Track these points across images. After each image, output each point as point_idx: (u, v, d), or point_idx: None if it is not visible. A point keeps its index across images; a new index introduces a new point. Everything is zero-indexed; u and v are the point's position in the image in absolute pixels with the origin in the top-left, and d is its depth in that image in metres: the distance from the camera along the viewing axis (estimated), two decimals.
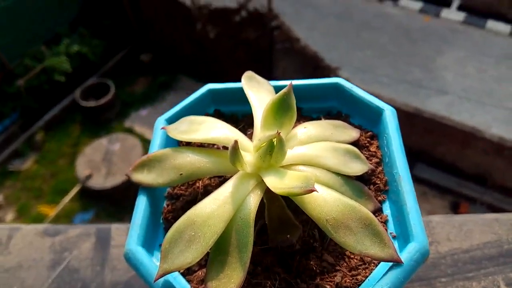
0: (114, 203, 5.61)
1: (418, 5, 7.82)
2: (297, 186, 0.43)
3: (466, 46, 6.93)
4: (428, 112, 5.79)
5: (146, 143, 5.90)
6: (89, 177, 5.71)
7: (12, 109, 6.38)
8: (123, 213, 5.43)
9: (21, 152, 6.26)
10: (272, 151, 0.48)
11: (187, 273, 0.50)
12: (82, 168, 5.86)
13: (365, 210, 0.46)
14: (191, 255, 0.44)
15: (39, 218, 5.47)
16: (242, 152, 0.50)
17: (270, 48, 6.59)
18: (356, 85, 0.63)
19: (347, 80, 0.65)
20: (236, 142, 0.44)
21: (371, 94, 0.62)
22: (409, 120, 5.83)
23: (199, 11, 6.55)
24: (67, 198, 5.74)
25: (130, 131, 6.50)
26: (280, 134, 0.46)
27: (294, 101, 0.54)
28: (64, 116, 6.76)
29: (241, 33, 6.60)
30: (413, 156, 5.95)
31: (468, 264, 0.70)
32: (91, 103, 6.58)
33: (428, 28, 7.41)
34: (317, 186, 0.47)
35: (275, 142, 0.47)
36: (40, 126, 6.50)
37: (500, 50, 6.80)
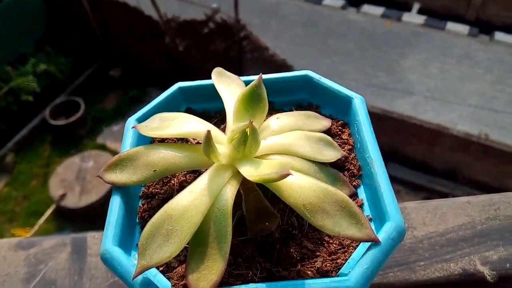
0: (89, 221, 5.49)
1: (380, 10, 8.04)
2: (272, 172, 0.43)
3: (428, 48, 7.16)
4: (396, 113, 5.93)
5: None
6: (63, 196, 5.58)
7: None
8: (100, 230, 5.32)
9: None
10: (246, 141, 0.48)
11: (166, 270, 0.49)
12: (55, 188, 5.73)
13: (340, 193, 0.46)
14: (169, 249, 0.43)
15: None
16: (217, 145, 0.50)
17: (240, 58, 6.64)
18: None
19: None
20: (208, 132, 0.44)
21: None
22: (378, 121, 5.95)
23: (167, 24, 6.54)
24: (42, 220, 5.58)
25: (103, 147, 6.40)
26: (253, 123, 0.46)
27: (265, 92, 0.55)
28: (34, 136, 6.62)
29: (210, 44, 6.62)
30: (385, 156, 5.98)
31: (445, 247, 0.71)
32: (62, 122, 6.46)
33: (390, 32, 7.62)
34: (292, 172, 0.48)
35: (248, 132, 0.47)
36: (9, 148, 6.34)
37: (460, 50, 7.06)
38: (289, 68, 6.37)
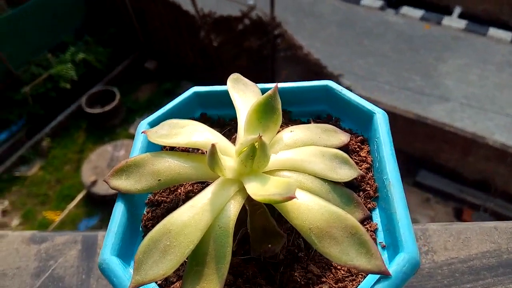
0: None
1: (419, 13, 7.82)
2: (278, 193, 0.40)
3: (468, 54, 6.91)
4: (430, 119, 5.76)
5: None
6: (94, 183, 5.72)
7: (18, 116, 6.44)
8: None
9: (27, 159, 6.30)
10: (254, 155, 0.45)
11: (165, 284, 0.47)
12: (87, 174, 5.88)
13: (351, 218, 0.43)
14: (165, 266, 0.41)
15: (44, 224, 5.47)
16: (224, 157, 0.48)
17: (273, 56, 6.60)
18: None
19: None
20: (213, 145, 0.42)
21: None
22: (411, 127, 5.80)
23: (203, 20, 6.58)
24: (72, 204, 5.74)
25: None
26: (262, 137, 0.44)
27: (280, 104, 0.52)
28: (70, 123, 6.81)
29: (244, 41, 6.62)
30: (416, 162, 5.92)
31: (466, 275, 0.67)
32: (97, 110, 6.62)
33: (429, 35, 7.40)
34: (301, 193, 0.45)
35: (257, 146, 0.45)
36: (46, 133, 6.54)
37: (501, 57, 6.78)
38: (322, 68, 6.29)
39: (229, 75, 0.60)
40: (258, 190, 0.43)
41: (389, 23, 7.81)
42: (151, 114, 0.59)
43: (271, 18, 6.27)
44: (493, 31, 7.19)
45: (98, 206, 5.69)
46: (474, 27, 7.33)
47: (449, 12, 7.74)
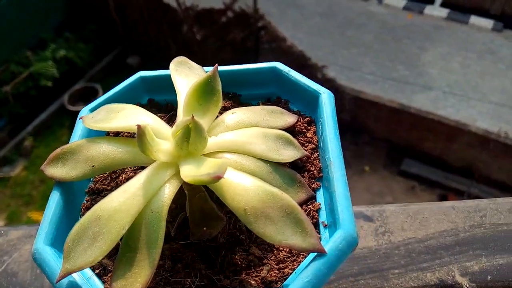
0: None
1: (402, 3, 7.85)
2: (206, 173, 0.39)
3: (450, 42, 6.96)
4: (414, 108, 5.80)
5: None
6: None
7: None
8: None
9: (10, 159, 6.21)
10: (189, 137, 0.44)
11: (103, 273, 0.46)
12: None
13: (287, 197, 0.42)
14: (94, 253, 0.40)
15: (29, 225, 5.39)
16: (160, 141, 0.47)
17: (256, 48, 6.58)
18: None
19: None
20: (139, 126, 0.41)
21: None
22: (396, 116, 5.83)
23: (186, 13, 6.52)
24: None
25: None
26: (195, 118, 0.43)
27: (220, 85, 0.51)
28: (52, 121, 6.72)
29: (227, 33, 6.58)
30: (401, 151, 5.96)
31: (423, 254, 0.67)
32: (80, 107, 6.53)
33: (412, 25, 7.43)
34: (237, 174, 0.44)
35: (191, 127, 0.44)
36: (28, 132, 6.45)
37: (483, 45, 6.84)
38: (306, 60, 6.28)
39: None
40: (190, 171, 0.42)
41: (372, 13, 7.82)
42: None
43: (254, 10, 6.24)
44: (474, 19, 7.24)
45: None
46: (456, 15, 7.38)
47: (431, 1, 7.77)
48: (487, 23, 7.15)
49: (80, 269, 0.40)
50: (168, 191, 0.44)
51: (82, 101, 6.66)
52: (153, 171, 0.45)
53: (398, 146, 5.97)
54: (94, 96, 6.60)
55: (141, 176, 0.44)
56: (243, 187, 0.43)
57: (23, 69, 6.48)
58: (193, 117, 0.43)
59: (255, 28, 6.45)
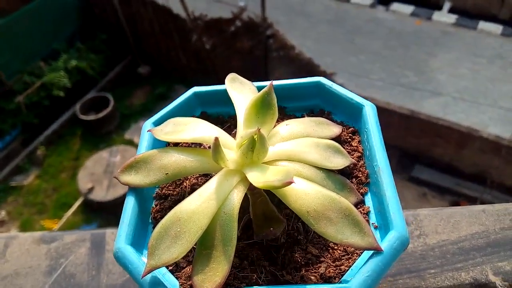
0: (115, 214, 5.61)
1: (410, 9, 7.90)
2: (277, 179, 0.44)
3: (459, 48, 6.99)
4: (424, 114, 5.82)
5: None
6: (91, 190, 5.72)
7: (12, 125, 6.43)
8: None
9: (23, 168, 6.29)
10: (254, 147, 0.49)
11: (175, 270, 0.51)
12: (84, 181, 5.88)
13: (344, 201, 0.47)
14: (177, 251, 0.45)
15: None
16: (226, 150, 0.52)
17: (265, 57, 6.65)
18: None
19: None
20: (216, 138, 0.46)
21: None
22: (405, 122, 5.86)
23: (194, 23, 6.61)
24: (69, 212, 5.74)
25: (130, 142, 6.54)
26: (260, 130, 0.48)
27: (275, 100, 0.56)
28: (65, 131, 6.81)
29: (236, 42, 6.66)
30: (411, 157, 5.98)
31: (457, 255, 0.71)
32: (91, 117, 6.63)
33: (420, 31, 7.48)
34: (298, 180, 0.49)
35: (256, 139, 0.49)
36: (41, 141, 6.54)
37: (492, 50, 6.86)
38: (315, 67, 6.34)
39: (222, 77, 0.64)
40: (259, 178, 0.47)
41: (379, 20, 7.89)
42: (147, 118, 0.63)
43: (262, 18, 6.31)
44: (483, 25, 7.28)
45: (96, 213, 5.70)
46: (464, 21, 7.42)
47: (439, 7, 7.82)
48: (496, 28, 7.18)
49: (164, 264, 0.45)
50: (237, 195, 0.49)
51: (93, 110, 6.76)
52: (222, 177, 0.50)
53: (409, 153, 5.99)
54: (106, 105, 6.70)
55: (213, 182, 0.49)
56: (304, 192, 0.48)
57: (36, 79, 6.60)
58: (259, 129, 0.48)
59: (264, 37, 6.52)
